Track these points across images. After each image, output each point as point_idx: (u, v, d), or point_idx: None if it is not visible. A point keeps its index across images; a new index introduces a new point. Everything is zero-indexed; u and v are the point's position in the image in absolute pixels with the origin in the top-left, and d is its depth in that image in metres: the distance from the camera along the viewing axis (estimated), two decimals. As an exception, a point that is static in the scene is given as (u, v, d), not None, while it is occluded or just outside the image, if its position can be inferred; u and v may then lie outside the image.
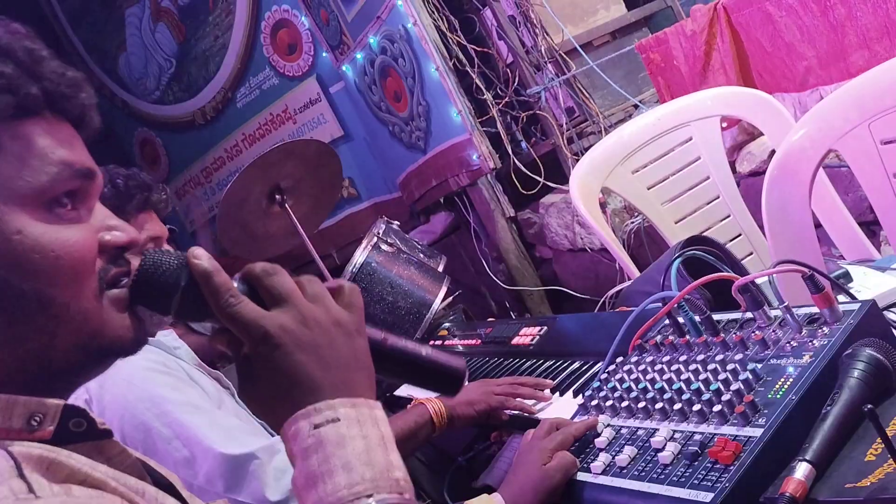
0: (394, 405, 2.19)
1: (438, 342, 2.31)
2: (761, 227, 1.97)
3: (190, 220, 5.74)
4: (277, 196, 2.71)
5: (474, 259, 4.03)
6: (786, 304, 1.01)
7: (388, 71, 3.87)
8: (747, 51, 2.48)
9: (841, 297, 1.14)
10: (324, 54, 4.44)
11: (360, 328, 0.71)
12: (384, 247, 2.57)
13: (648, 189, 1.90)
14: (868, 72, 1.14)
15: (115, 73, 5.72)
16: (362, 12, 3.84)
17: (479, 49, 3.48)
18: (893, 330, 1.00)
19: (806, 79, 2.36)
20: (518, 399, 1.52)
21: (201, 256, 0.68)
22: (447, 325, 2.48)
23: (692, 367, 1.06)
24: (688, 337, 1.13)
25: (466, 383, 1.62)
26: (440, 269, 2.84)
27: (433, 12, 3.46)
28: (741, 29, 2.47)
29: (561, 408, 1.41)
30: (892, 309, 1.22)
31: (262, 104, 4.89)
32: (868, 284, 1.44)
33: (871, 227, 2.11)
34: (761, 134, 2.53)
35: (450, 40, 3.48)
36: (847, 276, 1.44)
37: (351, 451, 0.63)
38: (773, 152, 2.44)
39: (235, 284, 0.69)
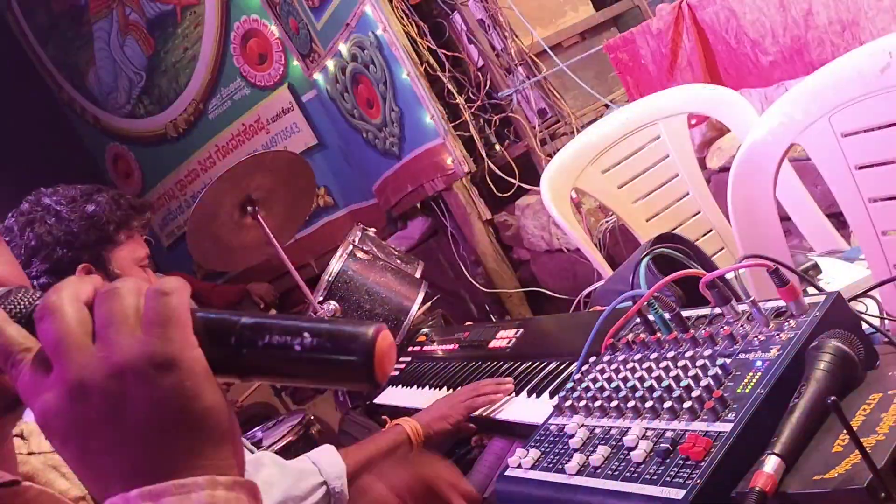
0: (375, 413, 2.18)
1: (417, 348, 2.31)
2: (731, 223, 1.99)
3: (166, 234, 5.69)
4: (249, 207, 2.70)
5: (453, 263, 4.03)
6: (752, 298, 1.02)
7: (360, 78, 3.87)
8: (713, 47, 2.50)
9: (810, 290, 1.15)
10: (294, 63, 4.42)
11: (169, 358, 0.47)
12: (360, 254, 2.56)
13: (619, 188, 1.91)
14: (826, 66, 1.15)
15: (84, 89, 5.67)
16: (331, 20, 3.83)
17: (449, 53, 3.48)
18: (860, 320, 1.01)
19: (771, 74, 2.39)
20: (483, 398, 1.57)
21: None
22: (426, 330, 2.48)
23: (663, 364, 1.06)
24: (658, 334, 1.14)
25: (435, 399, 1.66)
26: (418, 274, 2.84)
27: (402, 18, 3.46)
28: (706, 26, 2.49)
29: (536, 409, 1.42)
30: (860, 299, 1.23)
31: (235, 115, 4.87)
32: (837, 275, 1.46)
33: (840, 218, 2.13)
34: (730, 130, 2.56)
35: (420, 46, 3.48)
36: (816, 268, 1.46)
37: None
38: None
39: None
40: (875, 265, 1.17)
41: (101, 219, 1.48)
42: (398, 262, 2.83)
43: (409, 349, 2.31)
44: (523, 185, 3.40)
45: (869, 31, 1.99)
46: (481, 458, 1.83)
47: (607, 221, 2.98)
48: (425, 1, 3.48)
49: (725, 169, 2.50)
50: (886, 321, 1.14)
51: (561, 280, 3.51)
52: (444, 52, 3.47)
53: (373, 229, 3.02)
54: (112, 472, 0.47)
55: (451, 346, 2.09)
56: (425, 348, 2.24)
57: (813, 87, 1.17)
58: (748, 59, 2.42)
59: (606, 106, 3.33)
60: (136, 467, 0.46)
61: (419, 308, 2.54)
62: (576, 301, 1.96)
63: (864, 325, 1.02)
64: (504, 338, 1.82)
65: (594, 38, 3.62)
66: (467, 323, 2.42)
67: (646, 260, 1.18)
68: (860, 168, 1.16)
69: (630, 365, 1.12)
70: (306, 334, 0.50)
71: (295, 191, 2.90)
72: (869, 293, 1.19)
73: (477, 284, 3.85)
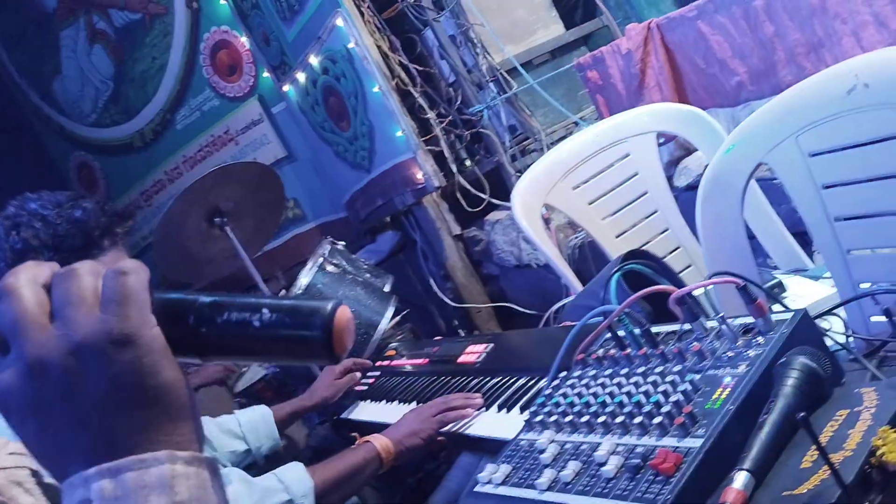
0: (343, 428, 2.16)
1: (386, 362, 2.29)
2: (699, 240, 2.01)
3: (130, 245, 5.61)
4: (217, 219, 2.67)
5: (422, 278, 4.02)
6: (721, 314, 1.03)
7: (331, 91, 3.86)
8: (681, 68, 2.54)
9: (775, 307, 1.16)
10: (265, 75, 4.40)
11: (127, 335, 0.49)
12: (329, 268, 2.55)
13: (589, 204, 1.92)
14: (794, 86, 1.17)
15: (50, 97, 5.59)
16: (303, 33, 3.82)
17: (420, 69, 3.49)
18: (825, 338, 1.02)
19: (738, 94, 2.43)
20: (455, 412, 1.56)
21: None
22: (395, 344, 2.47)
23: (633, 379, 1.06)
24: (628, 350, 1.14)
25: (404, 414, 1.65)
26: (387, 288, 2.82)
27: (374, 32, 3.47)
28: (674, 47, 2.53)
29: (506, 424, 1.41)
30: (825, 317, 1.25)
31: (203, 126, 4.83)
32: (802, 293, 1.48)
33: (804, 237, 2.17)
34: (697, 149, 2.59)
35: (391, 60, 3.49)
36: (781, 286, 1.48)
37: None
38: (707, 166, 2.50)
39: None
40: (840, 283, 1.19)
41: (87, 224, 1.48)
42: (368, 275, 2.82)
43: (378, 363, 2.29)
44: (493, 200, 3.41)
45: (834, 53, 2.03)
46: (449, 473, 1.82)
47: (577, 237, 3.00)
48: (397, 16, 3.49)
49: (692, 187, 2.54)
50: (851, 339, 1.16)
51: (530, 296, 3.52)
52: (415, 66, 3.48)
53: (342, 243, 3.00)
54: (71, 450, 0.48)
55: (420, 361, 2.08)
56: (394, 362, 2.22)
57: (780, 107, 1.19)
58: (716, 79, 2.46)
59: (576, 123, 3.36)
60: (95, 444, 0.47)
61: (389, 322, 2.53)
62: (545, 317, 1.97)
63: (830, 343, 1.04)
64: (474, 353, 1.81)
65: (564, 56, 3.66)
66: (437, 338, 2.41)
67: (617, 276, 1.19)
68: (826, 187, 1.18)
69: (600, 380, 1.12)
70: (265, 310, 0.51)
71: (264, 203, 2.88)
72: (834, 311, 1.21)
73: (446, 299, 3.85)
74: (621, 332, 1.16)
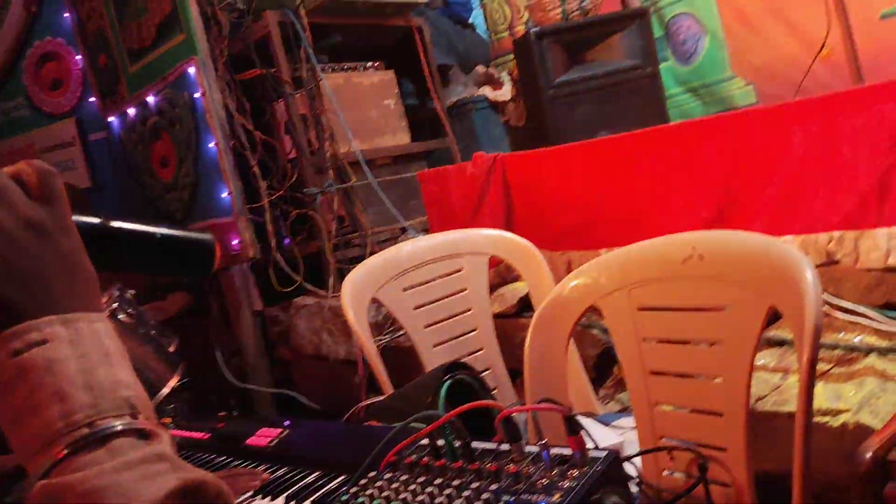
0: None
1: (158, 429, 2.10)
2: (506, 366, 2.08)
3: None
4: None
5: (206, 347, 3.80)
6: (545, 440, 1.05)
7: (161, 134, 3.68)
8: (514, 203, 2.70)
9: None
10: (91, 99, 4.12)
11: (63, 224, 0.59)
12: (121, 316, 2.33)
13: (415, 309, 1.94)
14: (636, 243, 1.28)
15: None
16: (147, 68, 3.66)
17: (263, 137, 3.44)
18: (629, 481, 1.08)
19: (559, 240, 2.61)
20: (240, 484, 1.45)
21: None
22: (169, 411, 2.27)
23: (447, 491, 1.05)
24: (444, 460, 1.13)
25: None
26: (172, 349, 2.63)
27: (225, 89, 3.39)
28: (513, 183, 2.70)
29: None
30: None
31: (5, 133, 4.39)
32: (594, 436, 1.56)
33: (594, 383, 2.32)
34: (514, 280, 2.73)
35: (235, 121, 3.41)
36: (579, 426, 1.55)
37: (63, 376, 0.54)
38: (521, 298, 2.63)
39: None
40: (643, 432, 1.27)
41: None
42: (154, 333, 2.61)
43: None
44: (306, 284, 3.35)
45: (647, 227, 2.25)
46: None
47: (381, 340, 3.00)
48: (253, 81, 3.45)
49: (503, 315, 2.65)
50: (643, 485, 1.23)
51: (319, 388, 3.43)
52: (259, 134, 3.42)
53: (132, 291, 2.78)
54: (20, 302, 0.55)
55: (201, 435, 1.92)
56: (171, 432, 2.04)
57: (622, 258, 1.28)
58: (543, 222, 2.63)
59: (403, 230, 3.43)
60: (42, 301, 0.56)
61: (169, 390, 2.34)
62: (348, 413, 1.91)
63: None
64: (266, 436, 1.70)
65: (404, 164, 3.78)
66: (221, 413, 2.25)
67: (447, 383, 1.19)
68: (645, 340, 1.28)
69: (412, 486, 1.09)
70: (162, 229, 0.67)
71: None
72: (632, 458, 1.28)
73: (228, 375, 3.65)
74: (441, 441, 1.15)
